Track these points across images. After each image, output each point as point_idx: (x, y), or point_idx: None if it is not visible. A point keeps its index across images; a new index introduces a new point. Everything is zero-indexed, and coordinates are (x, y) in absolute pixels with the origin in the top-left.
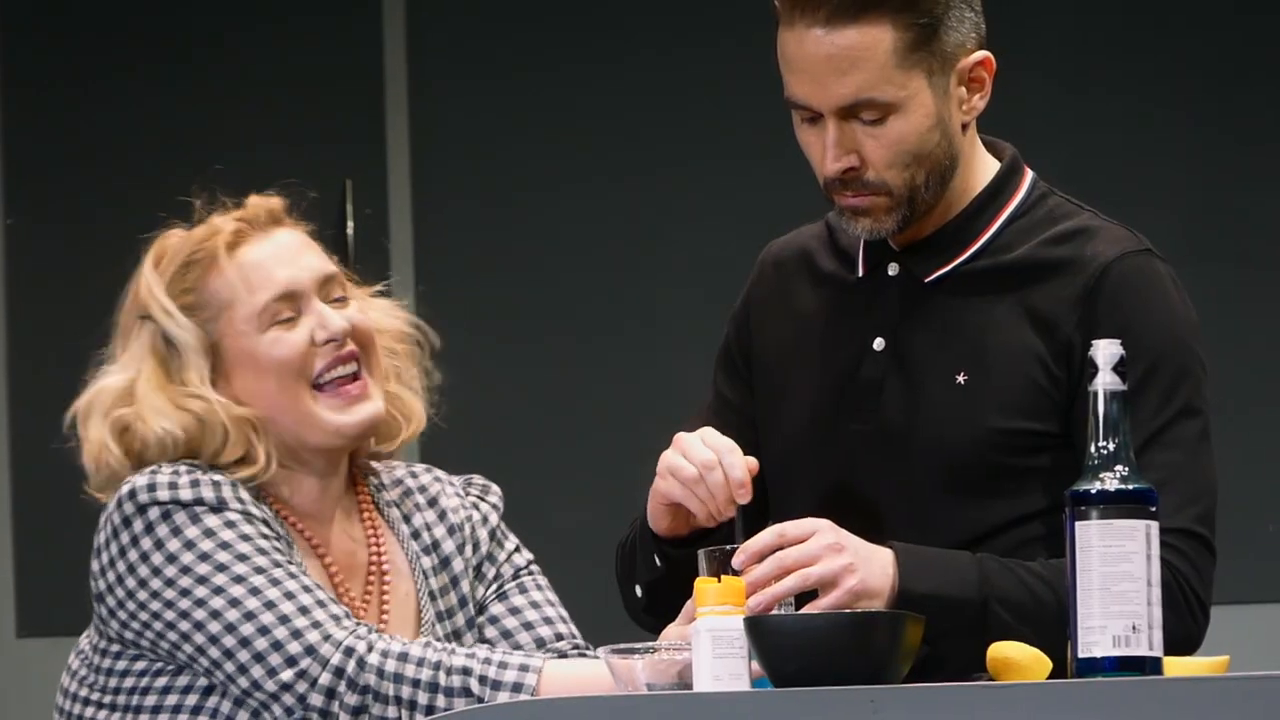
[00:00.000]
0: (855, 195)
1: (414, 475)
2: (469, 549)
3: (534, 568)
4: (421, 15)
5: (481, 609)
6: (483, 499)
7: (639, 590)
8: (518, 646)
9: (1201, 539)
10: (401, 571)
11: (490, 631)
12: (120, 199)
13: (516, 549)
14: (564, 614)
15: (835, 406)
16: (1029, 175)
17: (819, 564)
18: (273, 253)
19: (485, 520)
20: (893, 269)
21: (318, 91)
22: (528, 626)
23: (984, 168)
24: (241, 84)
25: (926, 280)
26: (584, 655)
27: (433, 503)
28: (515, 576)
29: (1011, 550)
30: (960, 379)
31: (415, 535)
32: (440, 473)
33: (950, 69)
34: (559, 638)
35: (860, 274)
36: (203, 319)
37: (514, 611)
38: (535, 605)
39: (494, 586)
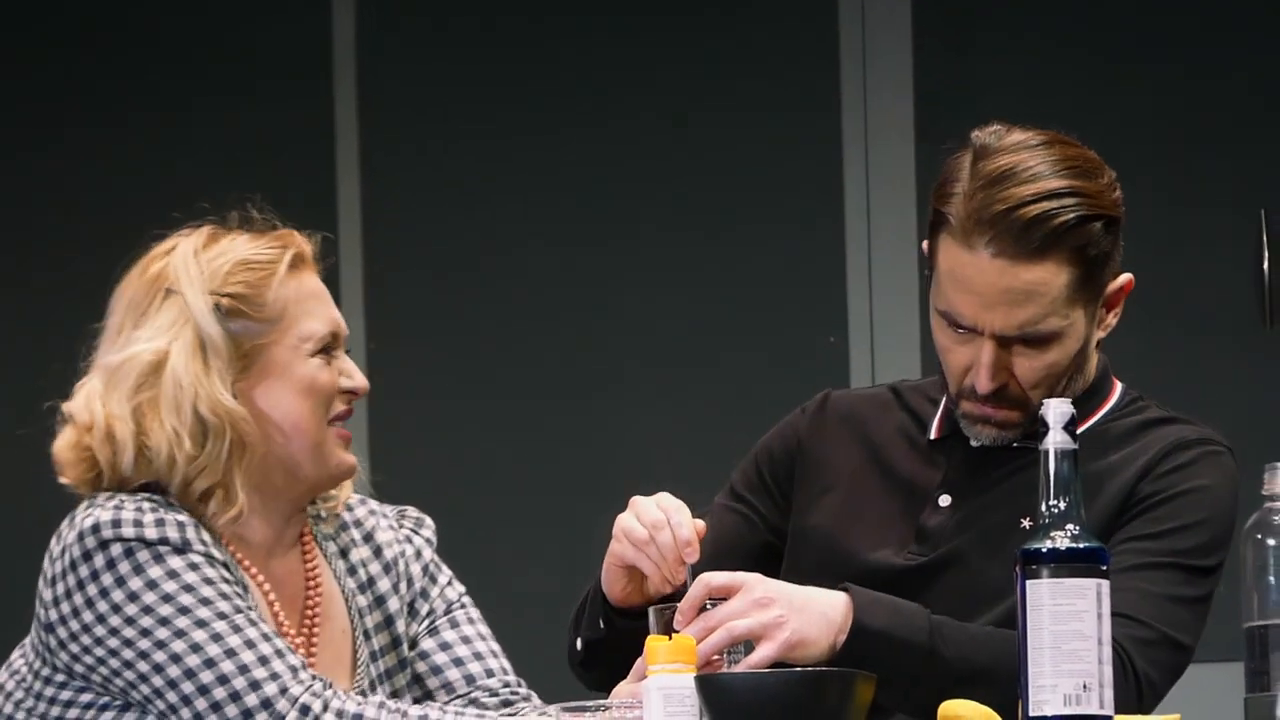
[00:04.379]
0: (995, 408)
1: (349, 509)
2: (403, 585)
3: (466, 600)
4: (373, 75)
5: (414, 644)
6: (416, 532)
7: (579, 644)
8: (447, 683)
9: (1159, 643)
10: (337, 609)
11: (420, 667)
12: (72, 259)
13: (449, 583)
14: (495, 649)
15: (884, 544)
16: (1119, 384)
17: (746, 619)
18: (321, 291)
19: (419, 555)
20: (974, 442)
21: (269, 148)
22: (457, 662)
23: (1087, 372)
24: (196, 143)
25: (1011, 447)
26: (515, 693)
27: (368, 538)
28: (447, 611)
29: None
30: (1025, 524)
31: (352, 571)
32: (375, 504)
33: (1102, 295)
34: (489, 674)
35: (933, 436)
36: (258, 316)
37: (444, 647)
38: (466, 640)
39: (426, 622)
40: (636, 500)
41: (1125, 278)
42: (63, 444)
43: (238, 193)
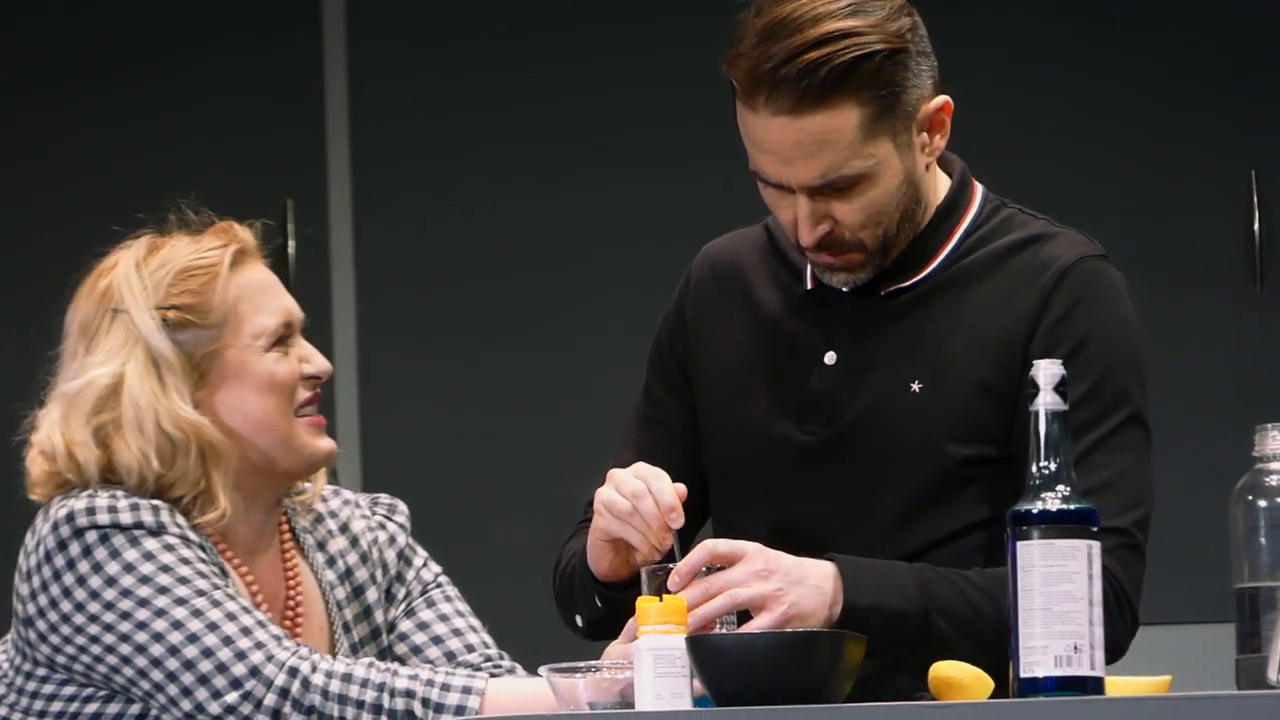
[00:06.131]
0: (832, 254)
1: (324, 500)
2: (379, 573)
3: (442, 579)
4: (362, 35)
5: (392, 628)
6: (389, 518)
7: (579, 620)
8: (429, 661)
9: (1138, 544)
10: (314, 604)
11: (400, 648)
12: (59, 215)
13: (424, 564)
14: (475, 624)
15: (782, 417)
16: (979, 189)
17: (747, 588)
18: (270, 282)
19: (393, 540)
20: (846, 286)
21: (259, 111)
22: (436, 641)
23: (937, 187)
24: (183, 103)
25: (883, 294)
26: (498, 666)
27: (344, 528)
28: (423, 591)
29: (960, 558)
30: (915, 388)
31: (330, 563)
32: (348, 494)
33: (912, 123)
34: (469, 649)
35: (809, 286)
36: (205, 323)
37: (422, 627)
38: (444, 618)
39: (403, 605)
40: (614, 473)
41: (940, 100)
42: (35, 471)
43: (224, 150)
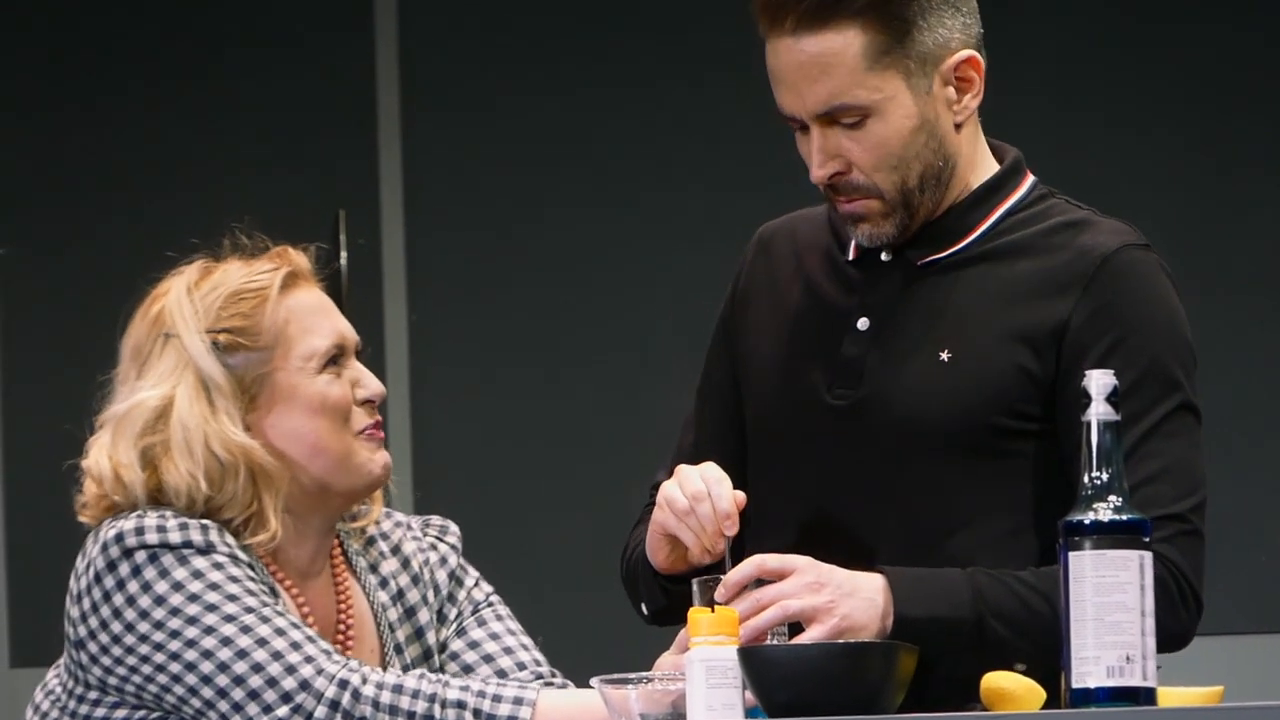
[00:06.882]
0: (849, 200)
1: (376, 522)
2: (430, 594)
3: (494, 599)
4: (414, 46)
5: (444, 648)
6: (441, 539)
7: (645, 608)
8: None
9: (1196, 530)
10: (366, 626)
11: (451, 668)
12: (111, 228)
13: (476, 584)
14: (526, 642)
15: (813, 378)
16: (1030, 177)
17: (798, 600)
18: (322, 304)
19: (444, 561)
20: (885, 254)
21: (311, 122)
22: (488, 659)
23: (984, 165)
24: (235, 115)
25: (919, 264)
26: (549, 683)
27: (396, 550)
28: (474, 611)
29: (997, 540)
30: (944, 356)
31: (383, 584)
32: (399, 516)
33: (932, 70)
34: (521, 667)
35: (851, 256)
36: (256, 346)
37: (473, 646)
38: (494, 636)
39: (455, 624)
40: (681, 469)
41: (965, 53)
42: (85, 494)
43: (276, 162)
